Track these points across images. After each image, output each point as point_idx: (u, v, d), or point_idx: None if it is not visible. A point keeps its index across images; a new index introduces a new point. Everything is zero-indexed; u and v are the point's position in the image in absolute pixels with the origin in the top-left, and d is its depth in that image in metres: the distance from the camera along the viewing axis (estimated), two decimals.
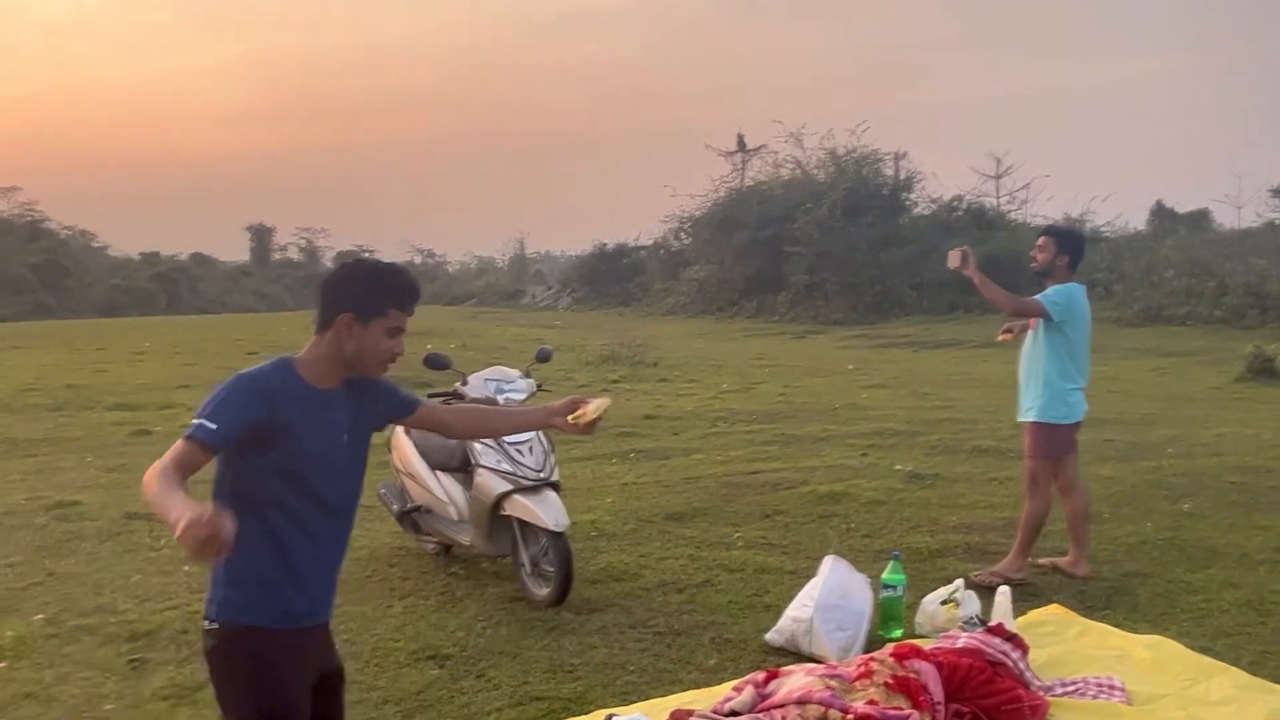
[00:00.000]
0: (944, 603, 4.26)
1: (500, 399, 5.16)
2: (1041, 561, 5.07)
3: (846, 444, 8.50)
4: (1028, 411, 5.02)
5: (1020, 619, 3.91)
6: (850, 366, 15.86)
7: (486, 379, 5.24)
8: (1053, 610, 4.11)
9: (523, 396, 5.22)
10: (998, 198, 34.09)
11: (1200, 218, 36.90)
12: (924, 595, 4.34)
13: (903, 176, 31.23)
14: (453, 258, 56.14)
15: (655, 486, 7.17)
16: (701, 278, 32.36)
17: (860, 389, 12.84)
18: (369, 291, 2.16)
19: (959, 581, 4.42)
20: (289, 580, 2.14)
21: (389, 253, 56.47)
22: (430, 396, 4.92)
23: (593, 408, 2.49)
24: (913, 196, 31.30)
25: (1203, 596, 4.63)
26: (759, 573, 5.13)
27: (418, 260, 55.23)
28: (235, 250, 53.16)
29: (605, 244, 39.49)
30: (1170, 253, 25.43)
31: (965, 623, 4.10)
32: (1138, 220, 36.90)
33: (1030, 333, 5.06)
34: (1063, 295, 4.84)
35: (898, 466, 7.39)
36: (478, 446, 5.00)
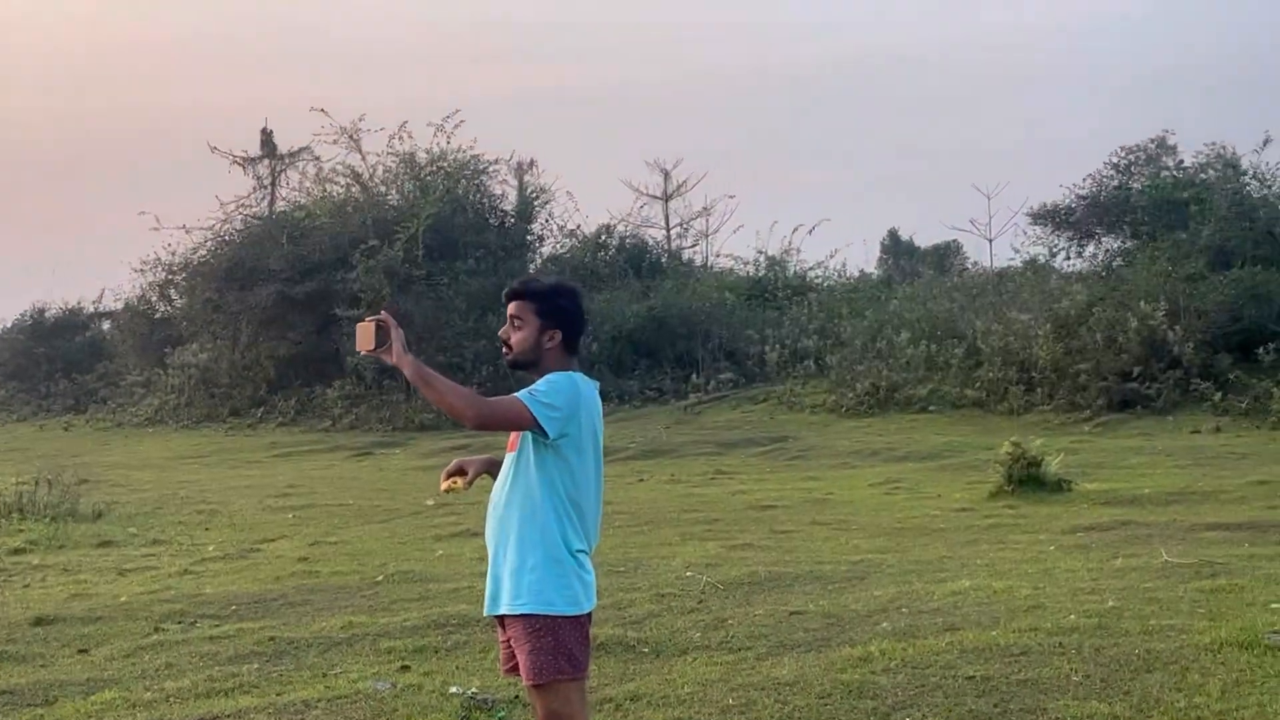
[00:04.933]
0: None
1: None
2: None
3: (381, 648, 7.95)
4: (515, 599, 4.51)
5: None
6: (430, 501, 15.47)
7: None
8: None
9: None
10: (667, 228, 35.67)
11: (948, 254, 40.81)
12: None
13: (528, 195, 31.89)
14: None
15: None
16: (203, 363, 31.86)
17: (436, 539, 12.61)
18: None
19: None
20: None
21: None
22: None
23: None
24: (537, 227, 32.04)
25: None
26: None
27: None
28: None
29: (45, 309, 37.27)
30: (904, 307, 27.51)
31: None
32: (865, 259, 40.01)
33: (509, 459, 4.63)
34: (561, 393, 4.43)
35: (454, 689, 6.84)
36: None
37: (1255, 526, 10.93)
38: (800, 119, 66.25)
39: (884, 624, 7.86)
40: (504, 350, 4.67)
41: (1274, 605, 7.74)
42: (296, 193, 33.53)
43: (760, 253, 34.65)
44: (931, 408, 23.93)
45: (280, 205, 33.50)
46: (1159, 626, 7.40)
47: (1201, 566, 9.15)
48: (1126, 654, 6.89)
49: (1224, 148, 27.38)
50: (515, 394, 4.47)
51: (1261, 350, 21.50)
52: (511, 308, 4.64)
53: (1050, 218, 29.17)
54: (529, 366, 4.62)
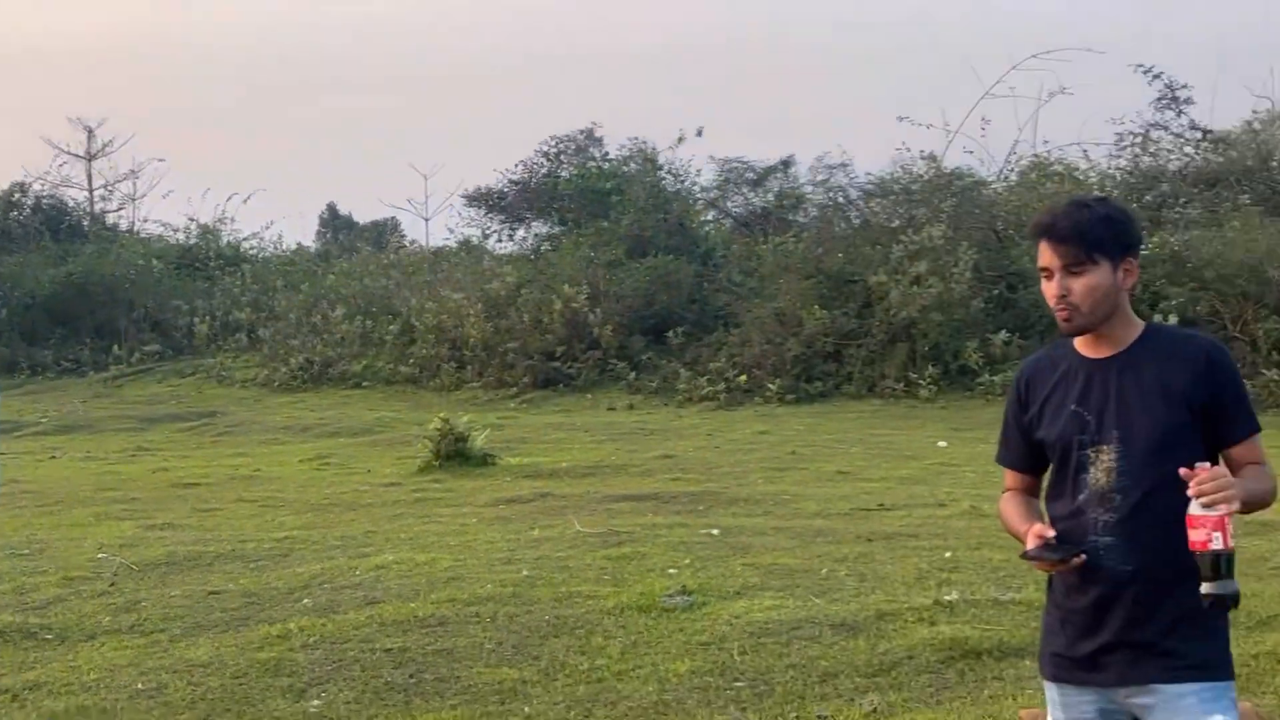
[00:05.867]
0: None
1: None
2: None
3: None
4: None
5: None
6: None
7: None
8: None
9: None
10: (90, 190, 33.73)
11: (386, 231, 40.99)
12: None
13: None
14: None
15: None
16: None
17: None
18: None
19: None
20: None
21: None
22: None
23: None
24: None
25: None
26: None
27: None
28: None
29: None
30: (340, 282, 27.40)
31: None
32: (303, 232, 39.37)
33: None
34: None
35: None
36: None
37: (659, 497, 11.64)
38: (237, 86, 64.20)
39: (305, 601, 7.83)
40: None
41: (671, 570, 8.29)
42: None
43: (192, 220, 33.42)
44: (365, 383, 23.99)
45: None
46: (568, 593, 7.76)
47: (609, 535, 9.62)
48: (537, 621, 7.19)
49: (644, 143, 28.94)
50: None
51: (671, 333, 22.89)
52: None
53: (484, 200, 29.85)
54: None
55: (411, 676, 6.30)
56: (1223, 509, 2.84)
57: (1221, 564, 2.88)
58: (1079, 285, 3.07)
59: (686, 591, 7.59)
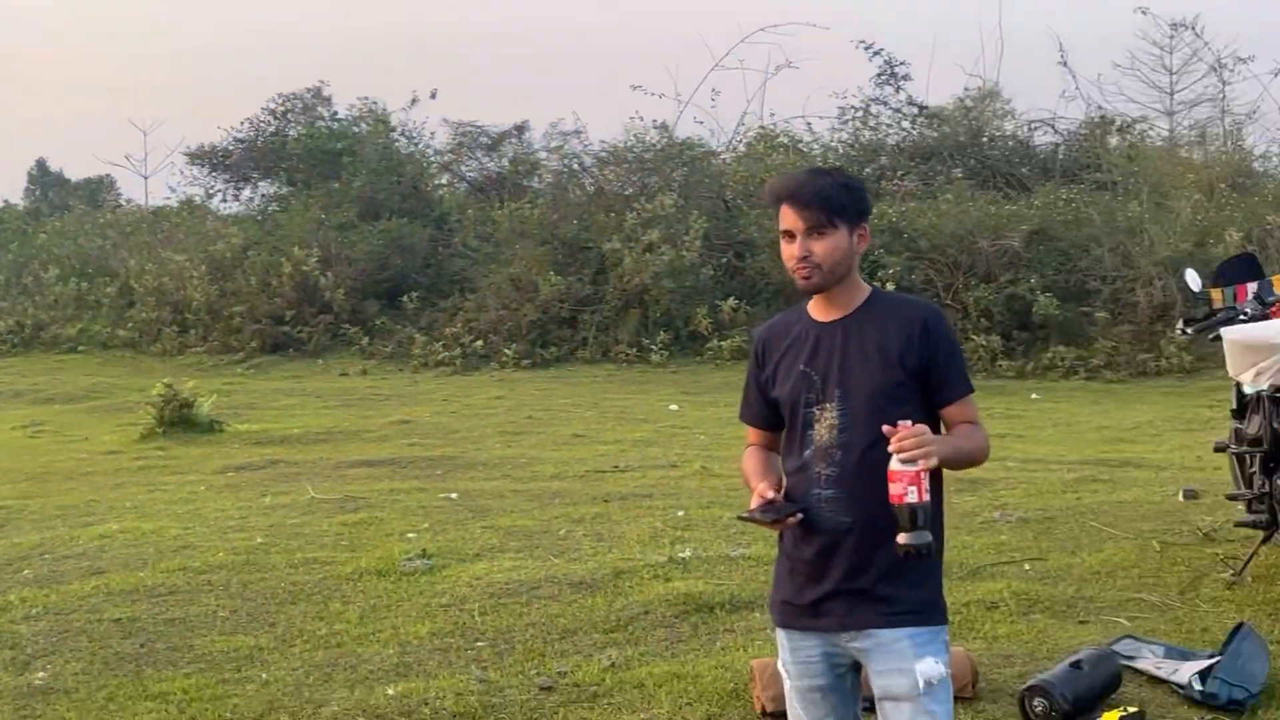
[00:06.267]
0: None
1: None
2: None
3: None
4: None
5: None
6: None
7: None
8: None
9: None
10: None
11: (101, 189, 39.38)
12: None
13: None
14: None
15: None
16: None
17: None
18: None
19: None
20: None
21: None
22: None
23: None
24: None
25: None
26: None
27: None
28: None
29: None
30: (52, 241, 26.31)
31: None
32: (10, 190, 37.55)
33: None
34: None
35: None
36: None
37: (396, 463, 11.63)
38: None
39: (25, 572, 7.63)
40: None
41: (410, 534, 8.32)
42: None
43: None
44: (81, 348, 23.13)
45: None
46: (304, 560, 7.72)
47: (346, 501, 9.60)
48: (273, 588, 7.14)
49: (375, 103, 28.52)
50: None
51: (406, 298, 22.71)
52: None
53: (207, 159, 28.96)
54: None
55: (142, 646, 6.20)
56: (920, 464, 3.08)
57: (917, 516, 3.10)
58: (820, 247, 3.27)
59: (426, 555, 7.65)
